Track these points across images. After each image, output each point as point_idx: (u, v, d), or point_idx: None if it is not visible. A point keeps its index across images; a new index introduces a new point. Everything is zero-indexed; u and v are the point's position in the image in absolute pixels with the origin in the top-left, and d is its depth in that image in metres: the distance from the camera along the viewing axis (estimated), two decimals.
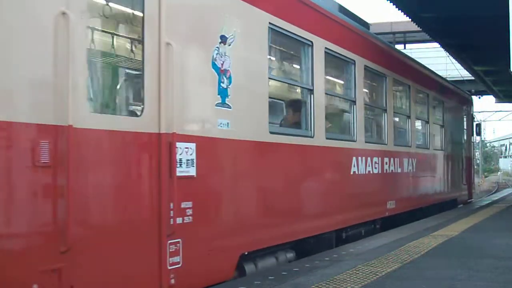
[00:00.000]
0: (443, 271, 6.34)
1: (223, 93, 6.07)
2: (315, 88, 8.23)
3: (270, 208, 7.04)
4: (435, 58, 33.46)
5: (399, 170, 11.60)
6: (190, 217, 5.47)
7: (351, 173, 9.29)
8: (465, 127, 19.03)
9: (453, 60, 24.08)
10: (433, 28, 16.18)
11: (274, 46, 7.78)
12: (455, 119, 17.52)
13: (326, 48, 8.50)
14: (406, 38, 34.47)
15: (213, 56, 5.90)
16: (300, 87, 8.44)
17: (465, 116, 19.15)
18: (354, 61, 9.62)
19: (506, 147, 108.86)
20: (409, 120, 12.66)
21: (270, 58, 7.50)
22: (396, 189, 11.50)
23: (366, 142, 9.92)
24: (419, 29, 16.94)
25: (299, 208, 7.82)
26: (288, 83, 8.67)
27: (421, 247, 7.99)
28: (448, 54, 21.78)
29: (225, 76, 6.09)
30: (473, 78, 27.43)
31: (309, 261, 7.03)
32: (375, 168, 10.23)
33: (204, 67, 5.83)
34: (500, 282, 5.78)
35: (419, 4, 13.93)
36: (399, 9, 14.19)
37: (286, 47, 8.53)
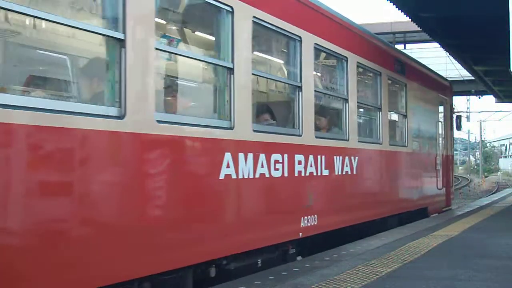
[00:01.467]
0: (444, 271, 6.33)
1: None
2: (129, 37, 4.94)
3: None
4: (435, 58, 33.53)
5: (326, 173, 8.33)
6: None
7: (221, 177, 6.06)
8: (441, 119, 15.34)
9: (453, 60, 24.10)
10: (433, 28, 16.19)
11: None
12: (426, 108, 13.85)
13: None
14: (406, 38, 34.51)
15: None
16: (99, 33, 4.96)
17: (442, 106, 15.43)
18: (232, 6, 6.40)
19: (506, 147, 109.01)
20: (346, 104, 9.20)
21: None
22: (319, 200, 8.16)
23: (255, 131, 6.68)
24: (419, 29, 16.95)
25: (100, 238, 4.69)
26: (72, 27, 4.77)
27: (421, 247, 7.99)
28: (448, 54, 21.80)
29: None
30: (473, 78, 27.46)
31: (309, 261, 7.03)
32: (277, 170, 7.03)
33: None
34: (500, 282, 5.78)
35: (419, 4, 13.94)
36: (399, 9, 14.20)
37: None
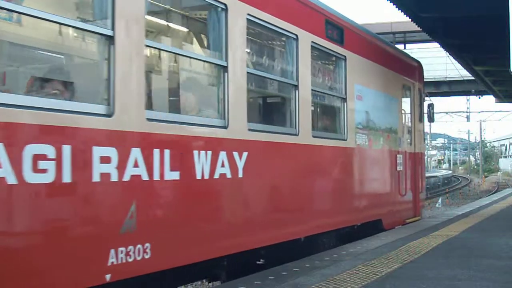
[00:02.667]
0: (444, 271, 6.33)
1: None
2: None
3: None
4: (435, 58, 33.59)
5: (174, 177, 5.52)
6: None
7: None
8: (405, 108, 12.00)
9: (453, 60, 24.13)
10: (433, 28, 16.20)
11: None
12: (380, 92, 10.51)
13: None
14: (406, 38, 34.52)
15: None
16: None
17: (406, 92, 12.12)
18: None
19: (506, 147, 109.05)
20: (225, 74, 6.29)
21: None
22: (155, 220, 5.34)
23: None
24: (419, 29, 16.97)
25: None
26: None
27: (421, 247, 7.99)
28: (448, 54, 21.82)
29: None
30: (473, 78, 27.50)
31: (309, 261, 7.03)
32: (42, 172, 4.28)
33: None
34: (501, 282, 5.78)
35: (419, 4, 13.95)
36: (399, 9, 14.21)
37: None
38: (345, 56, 9.03)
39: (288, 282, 5.74)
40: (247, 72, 6.71)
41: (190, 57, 6.59)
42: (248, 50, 7.05)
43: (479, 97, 41.55)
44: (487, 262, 6.90)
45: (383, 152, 10.64)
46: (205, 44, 6.99)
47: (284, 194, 7.51)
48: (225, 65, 6.33)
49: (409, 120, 12.23)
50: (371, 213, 10.01)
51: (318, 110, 9.09)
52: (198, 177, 5.80)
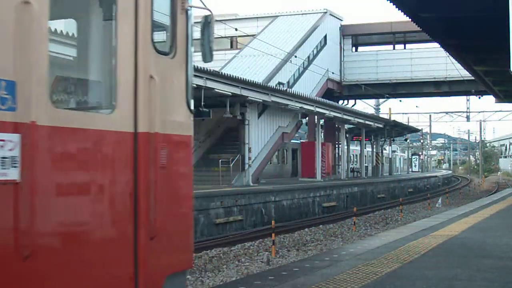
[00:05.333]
0: (444, 271, 6.34)
1: None
2: None
3: None
4: (435, 58, 33.61)
5: None
6: None
7: None
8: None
9: (453, 60, 24.12)
10: (433, 28, 16.20)
11: None
12: None
13: None
14: (406, 38, 34.56)
15: None
16: None
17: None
18: None
19: (506, 147, 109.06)
20: None
21: None
22: None
23: None
24: (419, 29, 16.97)
25: None
26: None
27: (421, 247, 7.99)
28: (448, 54, 21.82)
29: None
30: (473, 78, 27.49)
31: (309, 261, 7.03)
32: None
33: None
34: (500, 282, 5.79)
35: (419, 4, 13.94)
36: (399, 9, 14.20)
37: None
38: None
39: (288, 282, 5.74)
40: None
41: None
42: None
43: (479, 97, 41.55)
44: (487, 262, 6.91)
45: None
46: None
47: None
48: None
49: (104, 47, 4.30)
50: None
51: None
52: None
